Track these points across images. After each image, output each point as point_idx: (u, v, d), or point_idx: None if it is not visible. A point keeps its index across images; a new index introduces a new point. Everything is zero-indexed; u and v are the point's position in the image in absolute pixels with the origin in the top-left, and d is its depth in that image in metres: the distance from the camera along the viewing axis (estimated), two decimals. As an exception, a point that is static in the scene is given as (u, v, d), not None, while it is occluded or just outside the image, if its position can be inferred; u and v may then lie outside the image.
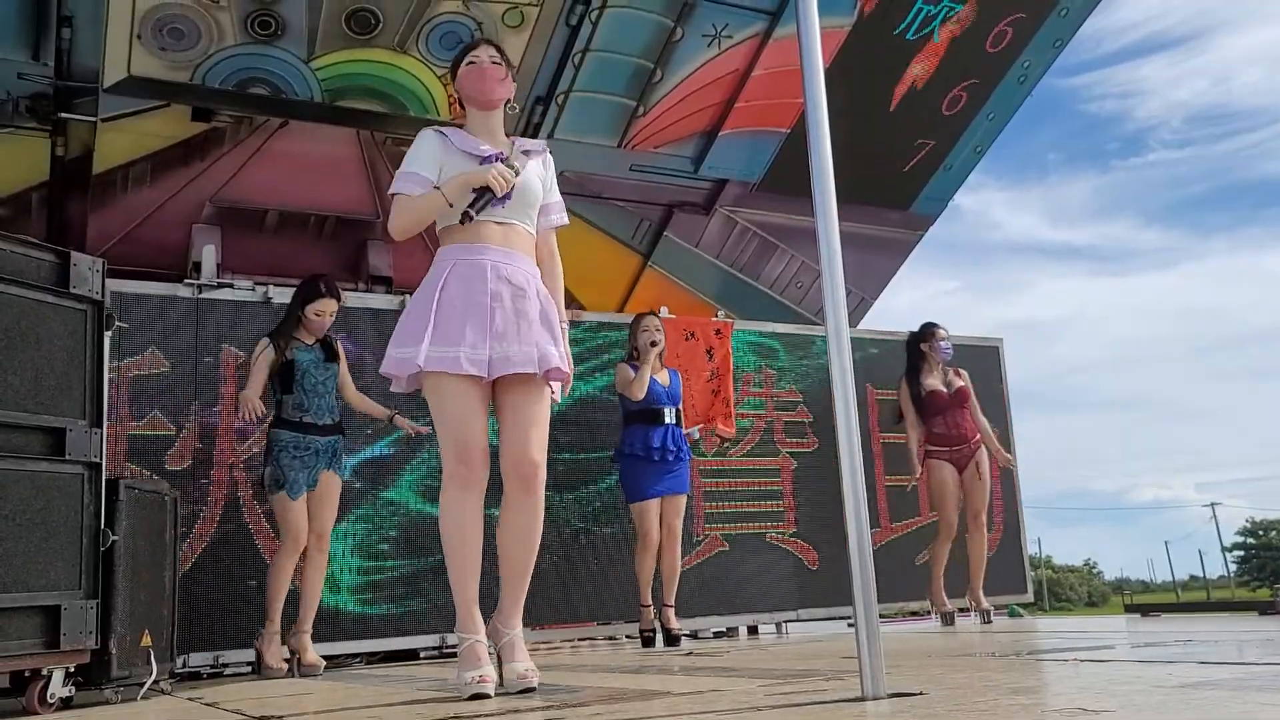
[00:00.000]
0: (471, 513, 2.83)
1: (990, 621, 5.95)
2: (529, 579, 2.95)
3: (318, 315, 4.58)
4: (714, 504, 6.19)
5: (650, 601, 5.33)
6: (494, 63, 3.05)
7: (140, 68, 5.32)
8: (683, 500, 5.38)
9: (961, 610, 6.38)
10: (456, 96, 3.12)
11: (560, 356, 2.89)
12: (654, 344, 5.32)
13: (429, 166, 2.98)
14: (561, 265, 3.13)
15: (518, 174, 2.92)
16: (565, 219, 3.15)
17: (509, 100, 3.13)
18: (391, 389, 3.00)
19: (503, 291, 2.85)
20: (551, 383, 2.94)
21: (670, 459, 5.27)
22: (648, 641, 5.30)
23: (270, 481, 4.46)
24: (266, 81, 5.61)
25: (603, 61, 6.06)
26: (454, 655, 5.42)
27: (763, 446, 6.47)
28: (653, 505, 5.25)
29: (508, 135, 3.13)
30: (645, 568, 5.30)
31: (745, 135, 6.79)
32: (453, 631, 5.37)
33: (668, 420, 5.32)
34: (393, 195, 2.96)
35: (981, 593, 6.08)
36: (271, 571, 4.51)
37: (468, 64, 3.05)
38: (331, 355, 4.65)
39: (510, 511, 2.91)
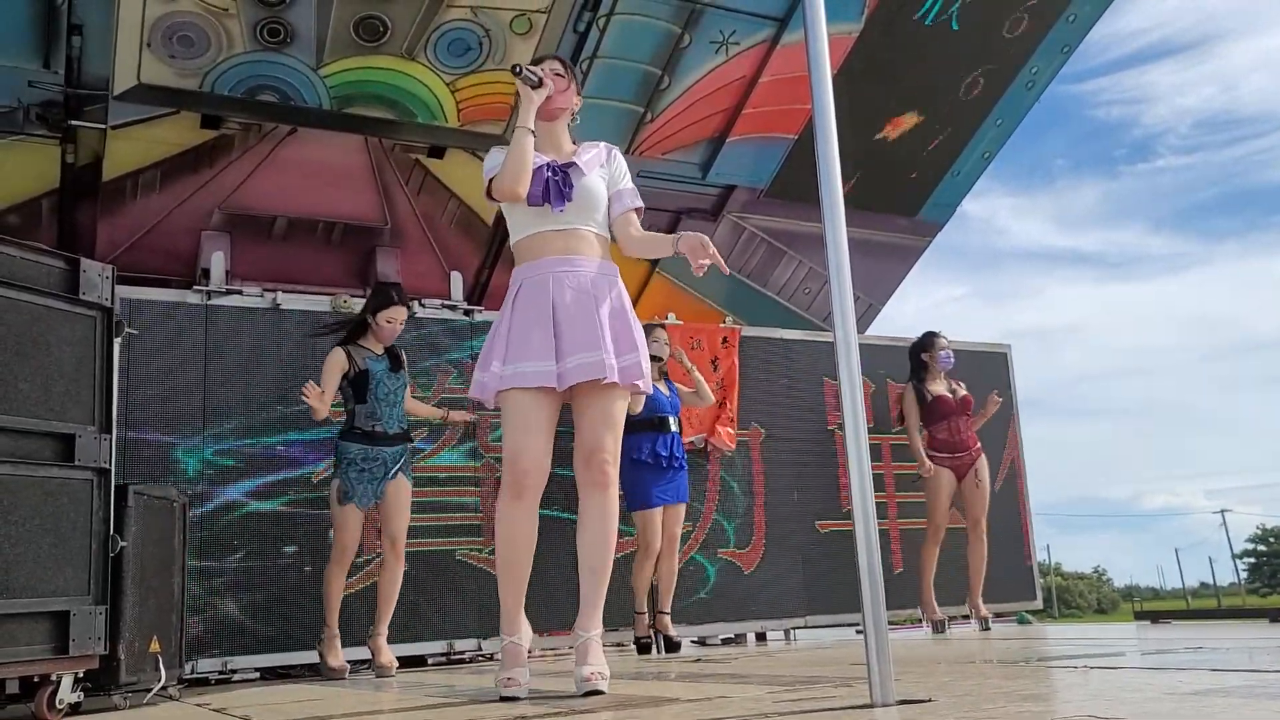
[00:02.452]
0: (520, 522, 2.89)
1: (989, 629, 5.89)
2: (606, 581, 2.98)
3: (389, 323, 4.65)
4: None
5: (645, 609, 5.40)
6: (556, 75, 3.12)
7: (150, 75, 5.35)
8: (682, 509, 5.44)
9: (963, 617, 6.33)
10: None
11: (639, 366, 2.95)
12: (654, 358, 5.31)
13: (502, 154, 3.08)
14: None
15: (540, 80, 3.02)
16: (639, 201, 3.17)
17: (573, 113, 3.21)
18: (489, 407, 3.10)
19: (565, 299, 2.91)
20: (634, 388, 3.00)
21: (676, 466, 5.35)
22: (644, 649, 5.35)
23: (339, 494, 4.55)
24: (275, 89, 5.63)
25: (610, 68, 6.08)
26: (462, 662, 5.44)
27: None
28: (657, 514, 5.27)
29: (574, 143, 3.19)
30: (644, 576, 5.35)
31: (753, 141, 6.79)
32: (459, 638, 5.41)
33: (673, 428, 5.39)
34: (489, 184, 3.04)
35: (981, 600, 6.04)
36: (324, 580, 4.62)
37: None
38: (397, 364, 4.74)
39: (584, 508, 2.98)
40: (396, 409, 4.67)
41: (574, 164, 3.06)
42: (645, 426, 5.33)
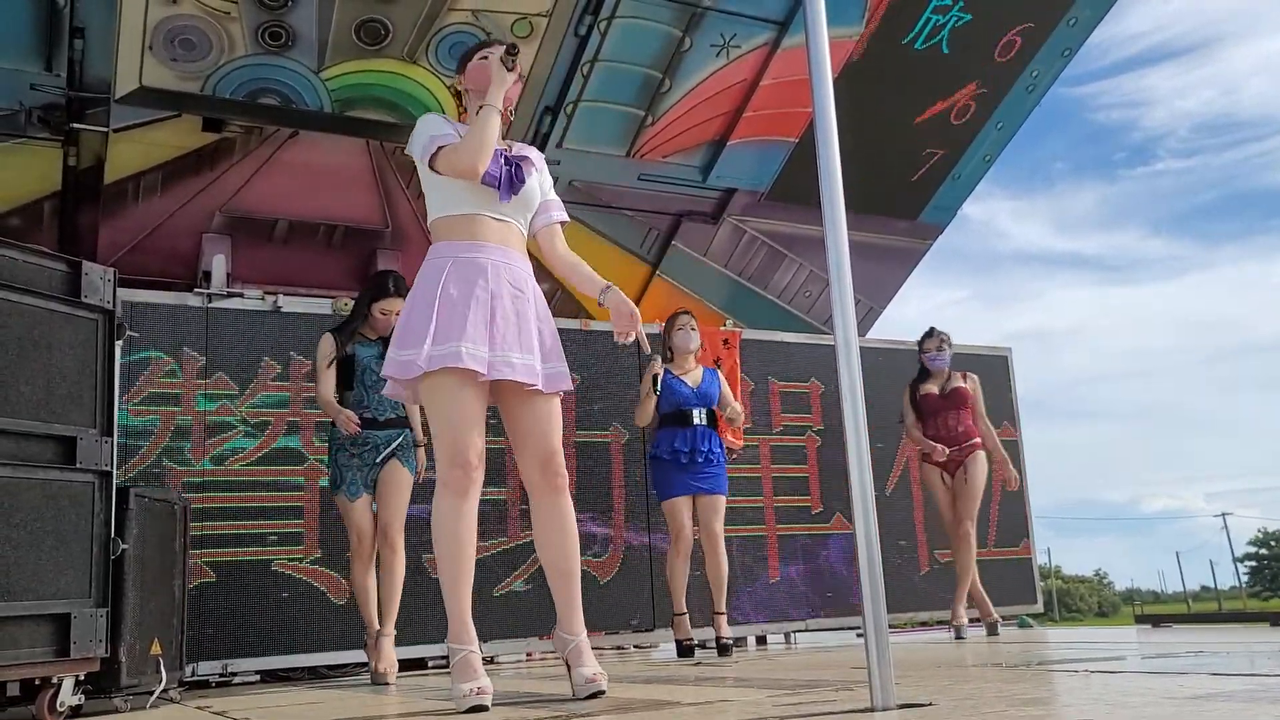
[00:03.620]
0: (466, 519, 2.79)
1: (963, 637, 5.63)
2: (578, 583, 2.93)
3: (384, 314, 4.49)
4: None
5: (685, 609, 5.20)
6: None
7: (151, 78, 5.35)
8: (720, 500, 5.22)
9: (940, 623, 6.30)
10: (460, 90, 3.08)
11: (567, 375, 2.93)
12: (654, 375, 5.18)
13: (449, 126, 2.97)
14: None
15: (514, 66, 2.96)
16: (566, 216, 3.15)
17: (512, 105, 3.13)
18: (385, 392, 2.98)
19: (503, 292, 2.85)
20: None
21: (699, 461, 5.17)
22: (684, 652, 5.12)
23: (331, 482, 4.44)
24: (277, 92, 5.64)
25: (611, 71, 6.08)
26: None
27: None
28: (680, 503, 5.15)
29: (504, 139, 3.10)
30: (677, 571, 5.19)
31: (753, 145, 6.79)
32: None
33: (696, 422, 5.21)
34: (437, 151, 2.88)
35: (962, 606, 5.83)
36: (350, 580, 4.47)
37: (480, 58, 3.03)
38: None
39: (542, 515, 2.92)
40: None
41: (527, 158, 3.02)
42: (669, 421, 5.24)
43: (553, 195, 3.15)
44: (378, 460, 4.39)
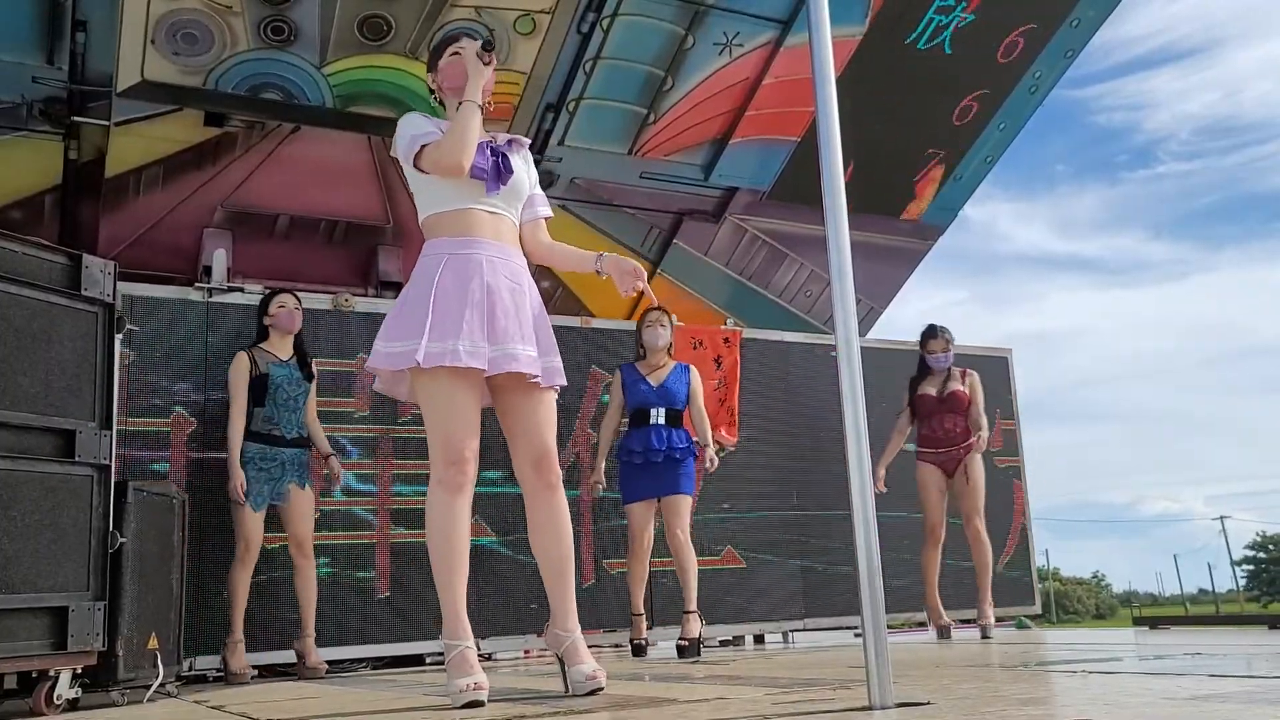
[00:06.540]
0: (460, 516, 2.75)
1: (988, 637, 5.54)
2: (572, 580, 2.91)
3: (281, 307, 4.75)
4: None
5: (641, 610, 5.17)
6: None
7: (153, 72, 5.35)
8: (680, 501, 5.07)
9: (966, 621, 6.24)
10: (433, 88, 3.02)
11: (560, 369, 2.91)
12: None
13: (430, 124, 2.93)
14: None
15: (491, 58, 2.94)
16: (550, 212, 3.12)
17: (488, 94, 3.05)
18: (374, 386, 2.92)
19: (500, 285, 2.81)
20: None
21: (657, 462, 5.04)
22: (637, 651, 5.11)
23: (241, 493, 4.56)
24: (279, 87, 5.64)
25: (614, 69, 6.08)
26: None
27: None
28: (637, 508, 5.08)
29: (486, 133, 3.02)
30: (633, 573, 5.16)
31: (756, 144, 6.79)
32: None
33: (653, 421, 5.10)
34: (420, 150, 2.85)
35: (988, 605, 5.70)
36: (229, 582, 4.60)
37: (451, 55, 2.96)
38: (308, 374, 4.81)
39: (538, 512, 2.89)
40: (296, 415, 4.72)
41: (512, 143, 2.99)
42: (631, 421, 5.18)
43: (538, 190, 3.11)
44: (281, 476, 4.64)
